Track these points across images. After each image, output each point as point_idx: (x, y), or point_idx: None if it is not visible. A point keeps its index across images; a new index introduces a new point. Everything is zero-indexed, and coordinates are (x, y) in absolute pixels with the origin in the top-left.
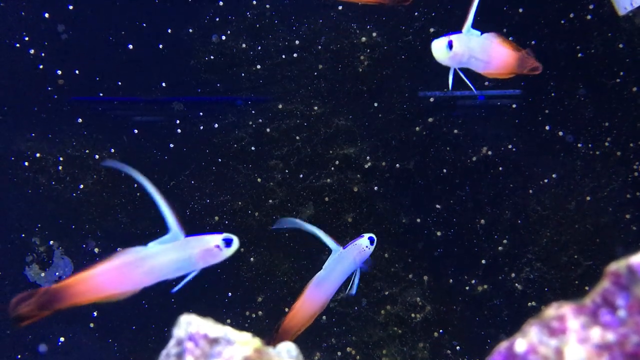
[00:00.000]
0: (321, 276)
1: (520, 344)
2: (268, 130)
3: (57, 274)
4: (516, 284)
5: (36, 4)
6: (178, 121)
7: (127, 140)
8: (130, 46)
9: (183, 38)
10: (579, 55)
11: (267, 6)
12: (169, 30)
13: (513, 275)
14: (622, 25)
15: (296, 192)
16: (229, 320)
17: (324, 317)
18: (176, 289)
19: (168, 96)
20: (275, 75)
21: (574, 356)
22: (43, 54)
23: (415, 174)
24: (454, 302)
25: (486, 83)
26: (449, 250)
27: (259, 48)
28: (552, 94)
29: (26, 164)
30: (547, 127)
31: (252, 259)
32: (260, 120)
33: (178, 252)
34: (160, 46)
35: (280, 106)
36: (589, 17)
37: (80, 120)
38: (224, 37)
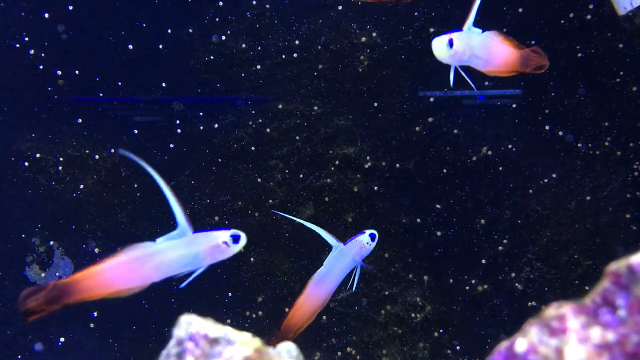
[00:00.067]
0: (322, 272)
1: (520, 343)
2: (268, 130)
3: (57, 274)
4: (516, 284)
5: (36, 4)
6: (178, 121)
7: (127, 140)
8: (130, 46)
9: (183, 38)
10: (579, 55)
11: (267, 6)
12: (169, 30)
13: (513, 275)
14: (622, 25)
15: (296, 192)
16: (229, 320)
17: (324, 317)
18: (184, 284)
19: (168, 96)
20: (275, 75)
21: (574, 356)
22: (43, 54)
23: (415, 174)
24: (454, 302)
25: (486, 83)
26: (449, 250)
27: (259, 48)
28: (552, 94)
29: (26, 164)
30: (547, 127)
31: (252, 259)
32: (260, 120)
33: (186, 248)
34: (160, 46)
35: (280, 106)
36: (588, 17)
37: (80, 120)
38: (223, 37)
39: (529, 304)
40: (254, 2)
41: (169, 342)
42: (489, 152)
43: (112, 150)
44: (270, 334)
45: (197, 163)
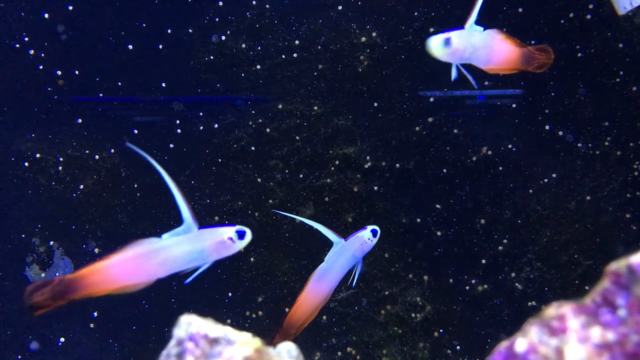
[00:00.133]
0: (323, 268)
1: (520, 343)
2: (268, 130)
3: (57, 274)
4: (516, 284)
5: (36, 4)
6: (178, 121)
7: (127, 140)
8: (130, 46)
9: (183, 38)
10: (579, 54)
11: (267, 6)
12: (169, 30)
13: (513, 275)
14: (621, 25)
15: (296, 192)
16: (229, 320)
17: (324, 317)
18: (189, 280)
19: (168, 96)
20: (275, 75)
21: (574, 356)
22: (43, 55)
23: (415, 174)
24: (454, 302)
25: (486, 83)
26: (449, 250)
27: (259, 48)
28: (552, 94)
29: (26, 164)
30: (547, 127)
31: (252, 259)
32: (260, 120)
33: (191, 244)
34: (160, 46)
35: (280, 106)
36: (588, 16)
37: (80, 120)
38: (223, 37)
39: (529, 303)
40: (254, 2)
41: (169, 342)
42: (489, 152)
43: (112, 151)
44: (270, 334)
45: (197, 163)
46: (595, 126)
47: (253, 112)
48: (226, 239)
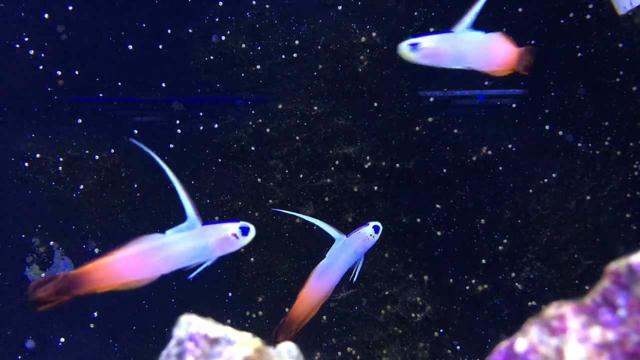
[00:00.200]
0: (325, 265)
1: (520, 343)
2: (268, 130)
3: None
4: (516, 284)
5: (36, 4)
6: (178, 121)
7: (127, 140)
8: (130, 46)
9: (183, 38)
10: (579, 54)
11: (267, 6)
12: (169, 31)
13: (513, 274)
14: (621, 25)
15: (296, 192)
16: (229, 320)
17: (324, 317)
18: (192, 275)
19: (168, 96)
20: (275, 75)
21: (574, 355)
22: (43, 55)
23: (415, 174)
24: (454, 302)
25: (486, 82)
26: (449, 250)
27: (259, 48)
28: (552, 94)
29: (26, 164)
30: (547, 127)
31: (252, 259)
32: (260, 120)
33: (195, 240)
34: (160, 46)
35: (280, 106)
36: (588, 16)
37: (80, 120)
38: (223, 37)
39: (529, 303)
40: (254, 2)
41: (169, 342)
42: (489, 152)
43: (112, 151)
44: (270, 334)
45: (197, 163)
46: (595, 126)
47: (253, 112)
48: (230, 235)
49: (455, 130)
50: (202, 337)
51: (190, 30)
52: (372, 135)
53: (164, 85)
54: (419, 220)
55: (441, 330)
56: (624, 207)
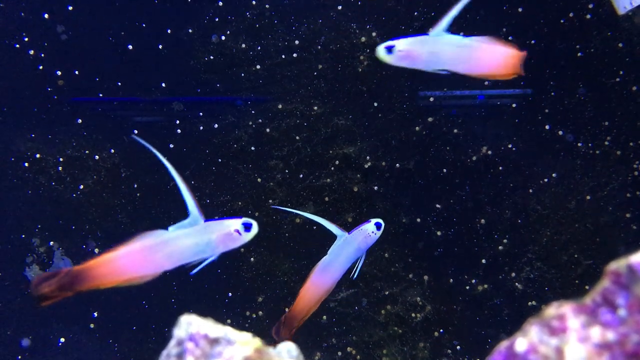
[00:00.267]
0: (326, 261)
1: (520, 343)
2: (268, 130)
3: None
4: (516, 284)
5: (36, 4)
6: (178, 121)
7: (127, 140)
8: (130, 46)
9: (183, 38)
10: (579, 54)
11: (267, 6)
12: (169, 31)
13: (513, 274)
14: (621, 25)
15: (296, 192)
16: (229, 321)
17: (324, 317)
18: (195, 271)
19: (168, 96)
20: (275, 75)
21: (574, 355)
22: (43, 55)
23: (415, 174)
24: (454, 302)
25: (486, 83)
26: (449, 250)
27: (259, 48)
28: (552, 94)
29: (26, 164)
30: (547, 127)
31: (252, 259)
32: (260, 120)
33: (198, 236)
34: (160, 46)
35: (280, 106)
36: (588, 16)
37: (80, 120)
38: (223, 37)
39: (529, 303)
40: (254, 2)
41: (169, 342)
42: (489, 152)
43: (112, 151)
44: (270, 334)
45: (197, 163)
46: (595, 126)
47: (253, 112)
48: (232, 232)
49: (455, 130)
50: (202, 337)
51: (190, 30)
52: (372, 135)
53: (164, 85)
54: (419, 220)
55: (441, 330)
56: (624, 207)
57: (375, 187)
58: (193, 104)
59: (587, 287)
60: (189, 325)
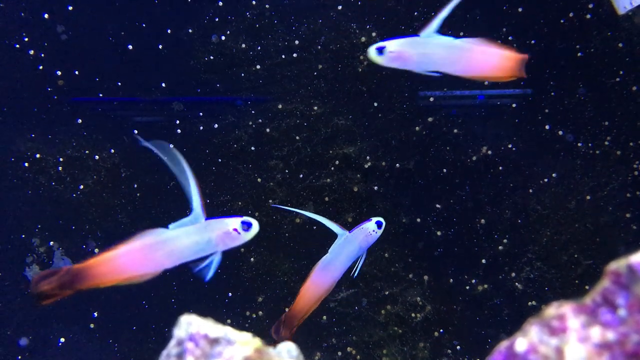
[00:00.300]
0: (327, 260)
1: (520, 343)
2: (268, 130)
3: None
4: (516, 284)
5: (36, 4)
6: (178, 121)
7: (127, 140)
8: (130, 46)
9: (183, 38)
10: (579, 54)
11: (267, 6)
12: (169, 31)
13: (513, 274)
14: (621, 25)
15: (296, 192)
16: (229, 321)
17: (324, 317)
18: (209, 277)
19: (168, 96)
20: (275, 75)
21: (574, 355)
22: (43, 55)
23: (415, 174)
24: (454, 302)
25: (486, 83)
26: (449, 250)
27: (259, 48)
28: (552, 94)
29: (26, 164)
30: (547, 127)
31: (252, 259)
32: (260, 120)
33: (199, 235)
34: (160, 46)
35: (280, 106)
36: (588, 16)
37: (80, 120)
38: (223, 38)
39: (529, 303)
40: (254, 2)
41: (169, 342)
42: (489, 152)
43: (112, 151)
44: (270, 334)
45: (197, 163)
46: (595, 126)
47: (253, 112)
48: (231, 230)
49: (455, 130)
50: (202, 337)
51: (190, 30)
52: (372, 135)
53: (164, 85)
54: (419, 220)
55: (441, 330)
56: (624, 207)
57: (375, 187)
58: (193, 104)
59: (587, 287)
60: (189, 325)
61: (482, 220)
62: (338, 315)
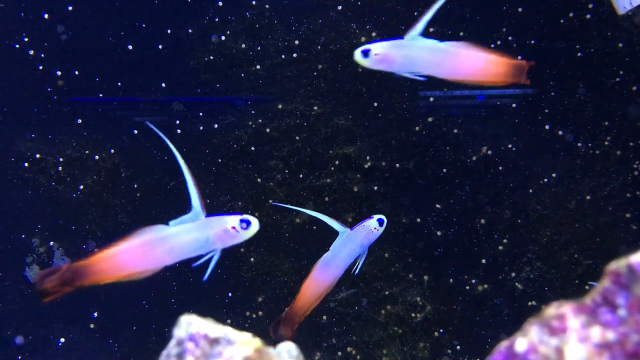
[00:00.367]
0: (328, 257)
1: (520, 343)
2: (268, 130)
3: None
4: (516, 284)
5: (36, 4)
6: (178, 121)
7: (127, 140)
8: (130, 46)
9: (183, 38)
10: (579, 54)
11: (267, 6)
12: (169, 31)
13: (513, 274)
14: (621, 24)
15: (296, 192)
16: (229, 321)
17: (324, 317)
18: (206, 276)
19: (168, 96)
20: (275, 75)
21: (574, 355)
22: (43, 55)
23: (415, 174)
24: (454, 302)
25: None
26: (449, 250)
27: (259, 48)
28: (552, 93)
29: (26, 164)
30: (547, 127)
31: (252, 259)
32: (260, 120)
33: (199, 232)
34: (160, 46)
35: (280, 106)
36: (588, 16)
37: (80, 120)
38: (223, 38)
39: (529, 303)
40: (254, 2)
41: (169, 342)
42: (489, 152)
43: (112, 151)
44: (270, 334)
45: (197, 163)
46: (595, 126)
47: (253, 112)
48: (230, 228)
49: (455, 130)
50: (202, 337)
51: (190, 30)
52: (372, 135)
53: (164, 85)
54: (419, 220)
55: (441, 330)
56: (624, 207)
57: (375, 187)
58: (193, 104)
59: (587, 287)
60: (189, 325)
61: (482, 220)
62: (338, 315)
